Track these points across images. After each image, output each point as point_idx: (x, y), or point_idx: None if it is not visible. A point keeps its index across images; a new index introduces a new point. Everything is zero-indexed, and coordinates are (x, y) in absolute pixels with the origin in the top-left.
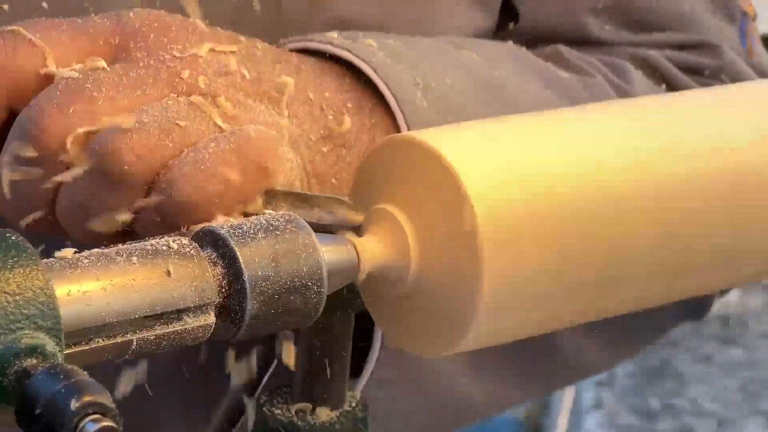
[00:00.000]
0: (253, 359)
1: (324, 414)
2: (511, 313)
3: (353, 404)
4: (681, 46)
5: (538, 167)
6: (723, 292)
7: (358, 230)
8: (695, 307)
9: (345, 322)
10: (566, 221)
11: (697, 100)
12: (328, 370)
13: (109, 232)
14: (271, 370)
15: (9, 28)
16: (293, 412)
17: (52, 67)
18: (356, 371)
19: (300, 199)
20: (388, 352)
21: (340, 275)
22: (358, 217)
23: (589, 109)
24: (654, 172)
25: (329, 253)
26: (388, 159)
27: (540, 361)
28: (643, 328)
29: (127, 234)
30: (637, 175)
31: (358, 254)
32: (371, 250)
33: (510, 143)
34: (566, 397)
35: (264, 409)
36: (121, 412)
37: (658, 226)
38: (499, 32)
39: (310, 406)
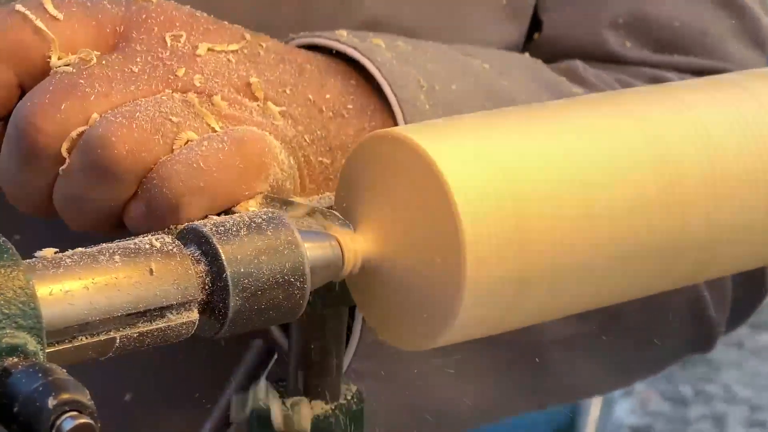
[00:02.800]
0: (253, 354)
1: (319, 407)
2: (494, 307)
3: (348, 397)
4: (702, 72)
5: (522, 162)
6: (729, 329)
7: None
8: (702, 340)
9: (338, 317)
10: (549, 214)
11: (690, 94)
12: (323, 364)
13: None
14: (270, 364)
15: (19, 8)
16: (288, 406)
17: (54, 59)
18: None
19: (291, 206)
20: (367, 345)
21: (324, 271)
22: (347, 230)
23: (577, 104)
24: (637, 169)
25: (312, 249)
26: (373, 155)
27: (531, 378)
28: (645, 359)
29: (121, 228)
30: (621, 171)
31: (342, 250)
32: (355, 245)
33: (494, 138)
34: None
35: (260, 402)
36: (121, 407)
37: (646, 224)
38: (525, 43)
39: (305, 399)
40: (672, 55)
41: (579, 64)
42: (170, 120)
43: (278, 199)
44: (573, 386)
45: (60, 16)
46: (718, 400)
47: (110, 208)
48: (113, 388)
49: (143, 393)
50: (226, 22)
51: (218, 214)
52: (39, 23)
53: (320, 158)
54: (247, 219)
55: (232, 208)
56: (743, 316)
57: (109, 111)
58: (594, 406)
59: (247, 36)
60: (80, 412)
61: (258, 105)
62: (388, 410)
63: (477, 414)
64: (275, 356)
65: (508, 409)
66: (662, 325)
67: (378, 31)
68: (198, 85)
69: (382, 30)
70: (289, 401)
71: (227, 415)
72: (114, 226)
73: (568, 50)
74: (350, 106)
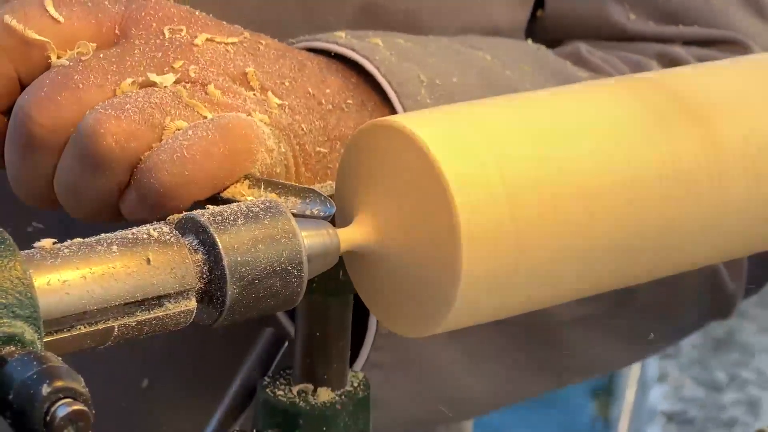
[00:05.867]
0: (264, 342)
1: (325, 394)
2: (491, 293)
3: (355, 384)
4: (708, 42)
5: (518, 147)
6: (749, 293)
7: (333, 220)
8: (719, 308)
9: (343, 305)
10: (545, 202)
11: (689, 76)
12: (328, 352)
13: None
14: (281, 352)
15: (19, 9)
16: (295, 393)
17: (53, 58)
18: (354, 355)
19: (273, 187)
20: (384, 336)
21: (321, 259)
22: (330, 207)
23: (575, 89)
24: (637, 157)
25: (310, 237)
26: (370, 144)
27: (549, 358)
28: (663, 330)
29: (121, 217)
30: (620, 161)
31: (339, 238)
32: (353, 233)
33: (488, 124)
34: (633, 370)
35: (267, 390)
36: (138, 393)
37: (640, 208)
38: (528, 22)
39: (311, 386)
40: (677, 26)
41: (582, 47)
42: (160, 110)
43: (264, 180)
44: (590, 363)
45: (61, 18)
46: (752, 386)
47: (105, 197)
48: (130, 374)
49: (159, 379)
50: (224, 22)
51: (212, 201)
52: (31, 34)
53: (318, 148)
54: (244, 208)
55: (221, 194)
56: (762, 281)
57: (100, 102)
58: (628, 392)
59: (246, 34)
60: (74, 399)
61: (254, 94)
62: (406, 399)
63: (494, 398)
64: (285, 344)
65: (525, 391)
66: (679, 299)
67: (378, 14)
68: (193, 75)
69: (382, 13)
70: (295, 388)
71: (238, 404)
72: (113, 215)
73: (573, 26)
74: (350, 101)
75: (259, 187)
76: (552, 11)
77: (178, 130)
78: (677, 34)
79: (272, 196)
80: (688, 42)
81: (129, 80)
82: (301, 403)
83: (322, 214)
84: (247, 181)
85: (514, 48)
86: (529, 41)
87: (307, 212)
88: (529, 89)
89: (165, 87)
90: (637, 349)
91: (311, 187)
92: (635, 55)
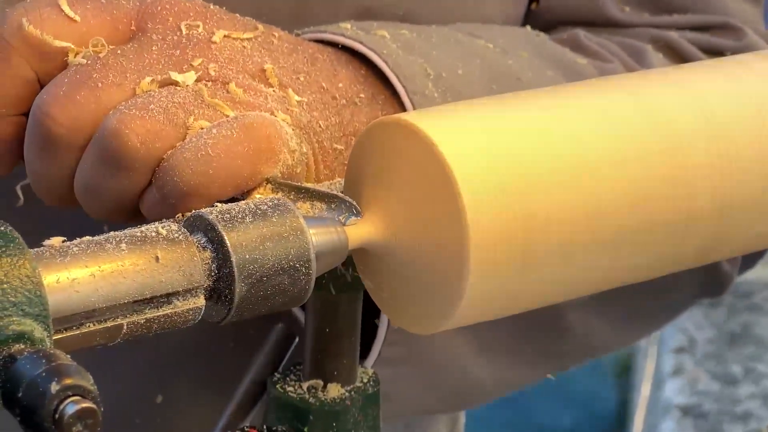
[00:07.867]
0: (274, 338)
1: (335, 390)
2: (499, 290)
3: (364, 380)
4: (702, 28)
5: (525, 142)
6: (743, 269)
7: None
8: (713, 286)
9: (353, 301)
10: (554, 200)
11: (692, 74)
12: (338, 348)
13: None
14: (292, 348)
15: (35, 9)
16: (305, 389)
17: (71, 57)
18: (366, 350)
19: (300, 191)
20: (396, 331)
21: (329, 256)
22: (356, 215)
23: (582, 87)
24: (643, 151)
25: (317, 235)
26: (379, 141)
27: (551, 342)
28: (659, 308)
29: (139, 217)
30: (626, 153)
31: (347, 236)
32: (361, 231)
33: (496, 120)
34: (648, 364)
35: (277, 386)
36: (154, 409)
37: (648, 201)
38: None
39: (321, 382)
40: (671, 15)
41: (581, 33)
42: (184, 110)
43: (288, 185)
44: (591, 345)
45: (77, 17)
46: (767, 380)
47: (127, 197)
48: (145, 392)
49: (173, 393)
50: (237, 15)
51: (229, 201)
52: (50, 39)
53: (335, 144)
54: (252, 206)
55: (243, 195)
56: (756, 257)
57: (123, 102)
58: (644, 387)
59: (260, 27)
60: (83, 396)
61: (273, 91)
62: (415, 391)
63: (500, 386)
64: (296, 341)
65: (530, 377)
66: (674, 280)
67: (375, 16)
68: (213, 74)
69: (378, 15)
70: (305, 384)
71: (249, 400)
72: (132, 215)
73: (567, 19)
74: (362, 95)
75: (282, 192)
76: (546, 4)
77: (202, 129)
78: (671, 22)
79: (298, 203)
80: (682, 28)
81: (148, 79)
82: (311, 399)
83: (350, 223)
84: (269, 186)
85: (513, 35)
86: (528, 28)
87: (335, 218)
88: (531, 78)
89: (186, 86)
90: (634, 330)
91: (338, 193)
92: (631, 40)
